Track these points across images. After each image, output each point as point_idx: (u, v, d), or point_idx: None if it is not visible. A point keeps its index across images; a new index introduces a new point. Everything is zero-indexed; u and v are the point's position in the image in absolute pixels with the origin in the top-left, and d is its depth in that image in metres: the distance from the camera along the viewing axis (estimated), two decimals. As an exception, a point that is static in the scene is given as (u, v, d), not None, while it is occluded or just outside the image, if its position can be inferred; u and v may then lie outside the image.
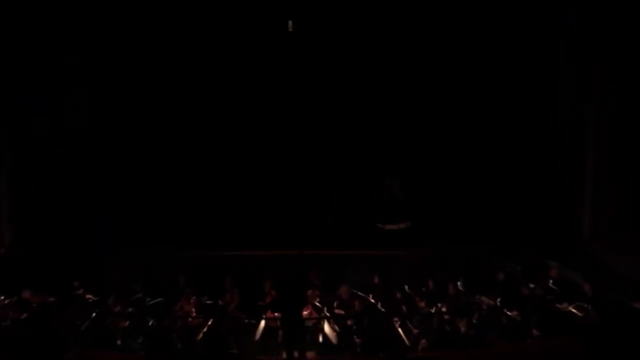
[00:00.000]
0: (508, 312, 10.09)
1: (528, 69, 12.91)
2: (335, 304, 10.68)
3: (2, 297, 10.26)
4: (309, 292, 10.65)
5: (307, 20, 12.58)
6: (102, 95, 13.13)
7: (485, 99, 13.25)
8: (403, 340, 9.51)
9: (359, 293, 10.86)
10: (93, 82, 13.04)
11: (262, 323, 9.91)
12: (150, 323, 9.96)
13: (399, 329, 9.72)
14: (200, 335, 9.51)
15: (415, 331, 9.92)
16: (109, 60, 12.97)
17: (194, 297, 10.86)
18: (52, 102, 12.74)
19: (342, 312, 10.46)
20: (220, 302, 10.83)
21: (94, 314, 9.82)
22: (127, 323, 9.95)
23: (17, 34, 12.32)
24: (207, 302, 10.90)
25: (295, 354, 9.12)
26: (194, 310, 10.58)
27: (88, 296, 10.75)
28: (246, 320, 10.01)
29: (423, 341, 9.71)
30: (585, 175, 12.73)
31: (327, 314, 10.18)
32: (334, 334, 9.73)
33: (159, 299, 10.77)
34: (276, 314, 9.97)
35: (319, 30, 12.78)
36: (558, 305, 10.38)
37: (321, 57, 12.88)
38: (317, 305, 10.47)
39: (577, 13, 12.28)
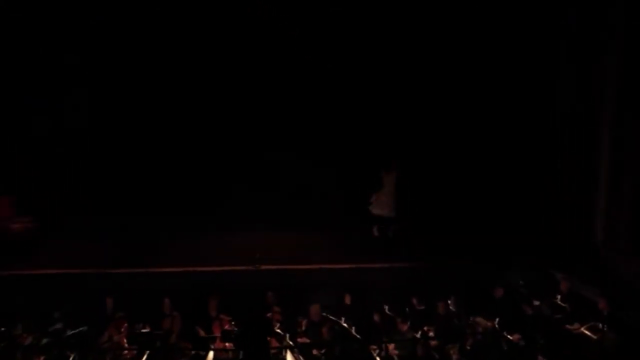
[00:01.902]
0: (509, 336, 10.07)
1: (530, 66, 13.70)
2: (300, 329, 10.60)
3: None
4: (267, 315, 10.54)
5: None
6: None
7: (489, 96, 13.98)
8: (382, 372, 9.48)
9: (329, 316, 10.70)
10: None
11: (211, 355, 9.65)
12: (71, 358, 9.49)
13: (378, 359, 9.61)
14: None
15: (397, 360, 9.83)
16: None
17: (126, 325, 10.49)
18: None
19: (308, 340, 10.39)
20: (158, 330, 10.47)
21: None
22: (42, 359, 9.51)
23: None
24: (143, 330, 10.53)
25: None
26: (126, 341, 10.27)
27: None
28: (192, 352, 9.74)
29: (406, 373, 9.69)
30: (597, 174, 12.90)
31: (290, 343, 10.11)
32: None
33: (81, 328, 10.38)
34: (227, 345, 9.78)
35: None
36: (568, 326, 10.42)
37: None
38: (278, 332, 10.32)
39: (577, 13, 13.10)
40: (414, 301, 11.26)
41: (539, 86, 13.75)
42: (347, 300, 11.30)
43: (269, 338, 9.31)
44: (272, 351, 9.52)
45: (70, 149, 14.20)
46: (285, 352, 9.65)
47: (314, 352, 9.88)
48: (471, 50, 13.80)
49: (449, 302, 11.16)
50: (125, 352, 9.90)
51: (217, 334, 10.11)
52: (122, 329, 10.33)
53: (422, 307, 11.20)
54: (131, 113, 14.17)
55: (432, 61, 13.88)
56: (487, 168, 14.05)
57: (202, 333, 10.36)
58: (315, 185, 14.00)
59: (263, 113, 14.21)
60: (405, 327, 10.50)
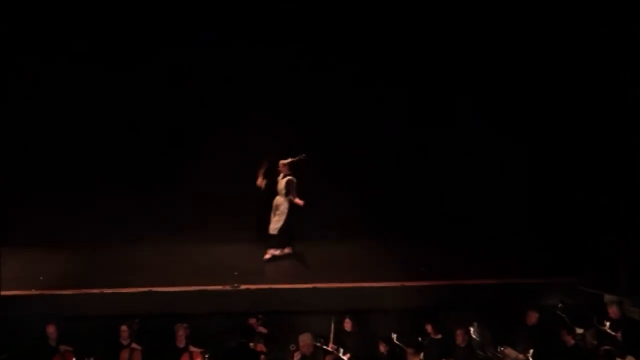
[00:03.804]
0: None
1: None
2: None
3: None
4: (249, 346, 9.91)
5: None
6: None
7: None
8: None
9: (323, 346, 10.45)
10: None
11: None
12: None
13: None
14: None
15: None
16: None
17: (74, 360, 9.87)
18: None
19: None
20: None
21: None
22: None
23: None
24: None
25: None
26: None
27: None
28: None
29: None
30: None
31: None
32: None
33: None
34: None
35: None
36: (619, 360, 10.02)
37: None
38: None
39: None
40: (429, 328, 10.65)
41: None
42: (347, 326, 10.78)
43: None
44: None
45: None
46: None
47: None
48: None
49: (471, 329, 10.74)
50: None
51: (186, 371, 10.13)
52: (69, 366, 10.17)
53: (439, 336, 10.57)
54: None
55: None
56: (519, 170, 13.64)
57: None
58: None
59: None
60: (416, 360, 10.28)
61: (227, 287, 11.05)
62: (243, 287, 11.15)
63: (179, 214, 13.36)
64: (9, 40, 12.65)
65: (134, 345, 10.22)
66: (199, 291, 11.11)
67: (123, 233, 12.95)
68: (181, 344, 10.30)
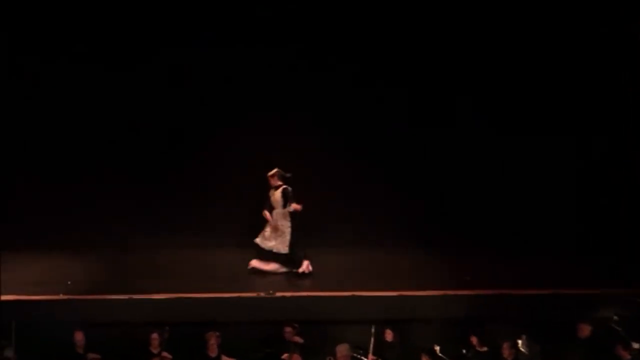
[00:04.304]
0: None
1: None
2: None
3: None
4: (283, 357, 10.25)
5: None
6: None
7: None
8: None
9: (363, 358, 10.33)
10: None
11: None
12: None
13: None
14: None
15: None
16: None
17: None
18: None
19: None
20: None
21: None
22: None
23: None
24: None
25: None
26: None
27: None
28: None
29: None
30: None
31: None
32: None
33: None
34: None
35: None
36: (681, 378, 9.89)
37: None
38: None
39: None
40: (474, 340, 10.42)
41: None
42: (388, 336, 10.52)
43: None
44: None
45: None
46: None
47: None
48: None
49: (519, 342, 10.49)
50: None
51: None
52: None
53: (484, 349, 10.37)
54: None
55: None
56: (570, 175, 13.45)
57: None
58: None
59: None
60: (461, 375, 10.22)
61: (262, 294, 10.84)
62: (278, 294, 10.93)
63: (212, 218, 13.19)
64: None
65: (164, 354, 10.15)
66: (232, 298, 10.93)
67: (154, 237, 12.88)
68: (213, 353, 10.22)
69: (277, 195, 11.75)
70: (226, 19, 13.05)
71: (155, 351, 10.11)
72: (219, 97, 13.26)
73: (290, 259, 11.77)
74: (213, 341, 10.14)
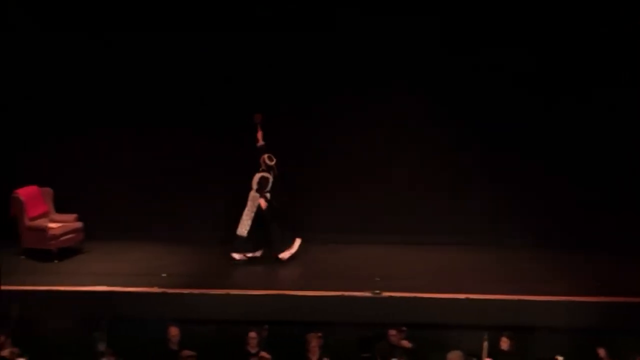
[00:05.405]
0: None
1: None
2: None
3: None
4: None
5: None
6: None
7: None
8: None
9: None
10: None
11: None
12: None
13: None
14: None
15: None
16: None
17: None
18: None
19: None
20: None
21: None
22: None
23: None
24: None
25: None
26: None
27: None
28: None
29: None
30: None
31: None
32: None
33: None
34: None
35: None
36: None
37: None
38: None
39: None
40: (601, 353, 9.86)
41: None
42: (504, 345, 10.09)
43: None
44: None
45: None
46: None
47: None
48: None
49: None
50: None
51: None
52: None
53: None
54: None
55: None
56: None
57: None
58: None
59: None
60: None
61: (368, 294, 10.71)
62: (385, 294, 10.78)
63: (318, 213, 13.08)
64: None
65: (262, 354, 9.97)
66: (335, 297, 10.83)
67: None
68: (314, 355, 9.97)
69: (255, 179, 11.95)
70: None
71: (253, 350, 10.02)
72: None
73: (245, 243, 11.90)
74: (314, 343, 9.97)
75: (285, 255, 11.99)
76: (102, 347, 9.82)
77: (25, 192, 12.15)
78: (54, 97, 13.26)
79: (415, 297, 10.83)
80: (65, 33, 12.94)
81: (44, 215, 12.25)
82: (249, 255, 12.09)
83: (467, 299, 10.78)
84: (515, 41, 12.74)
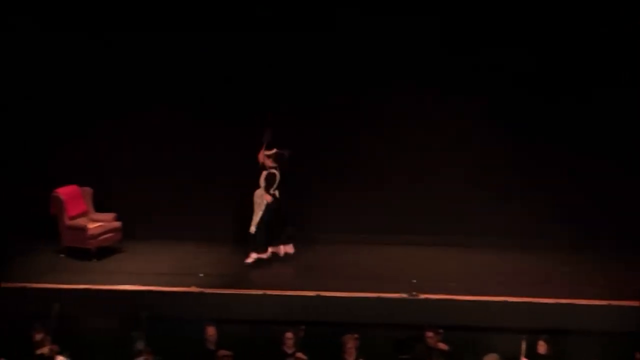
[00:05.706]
0: None
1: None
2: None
3: None
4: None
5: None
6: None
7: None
8: None
9: None
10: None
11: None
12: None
13: None
14: None
15: None
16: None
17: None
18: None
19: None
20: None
21: None
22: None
23: None
24: None
25: None
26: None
27: None
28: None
29: None
30: None
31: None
32: None
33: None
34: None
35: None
36: None
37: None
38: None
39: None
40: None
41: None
42: (541, 349, 10.15)
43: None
44: None
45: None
46: None
47: None
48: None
49: None
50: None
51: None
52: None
53: None
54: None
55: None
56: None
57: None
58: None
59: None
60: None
61: (404, 296, 10.63)
62: (422, 296, 10.70)
63: (357, 213, 12.93)
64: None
65: (298, 354, 10.11)
66: (371, 298, 10.74)
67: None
68: (350, 357, 10.08)
69: (262, 177, 11.81)
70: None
71: (289, 351, 10.07)
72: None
73: (253, 240, 11.80)
74: (351, 344, 9.98)
75: (250, 259, 11.82)
76: (140, 345, 9.85)
77: (65, 192, 12.10)
78: (77, 94, 13.07)
79: (452, 300, 10.76)
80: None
81: (84, 214, 12.20)
82: (268, 253, 12.00)
83: (505, 302, 10.65)
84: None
